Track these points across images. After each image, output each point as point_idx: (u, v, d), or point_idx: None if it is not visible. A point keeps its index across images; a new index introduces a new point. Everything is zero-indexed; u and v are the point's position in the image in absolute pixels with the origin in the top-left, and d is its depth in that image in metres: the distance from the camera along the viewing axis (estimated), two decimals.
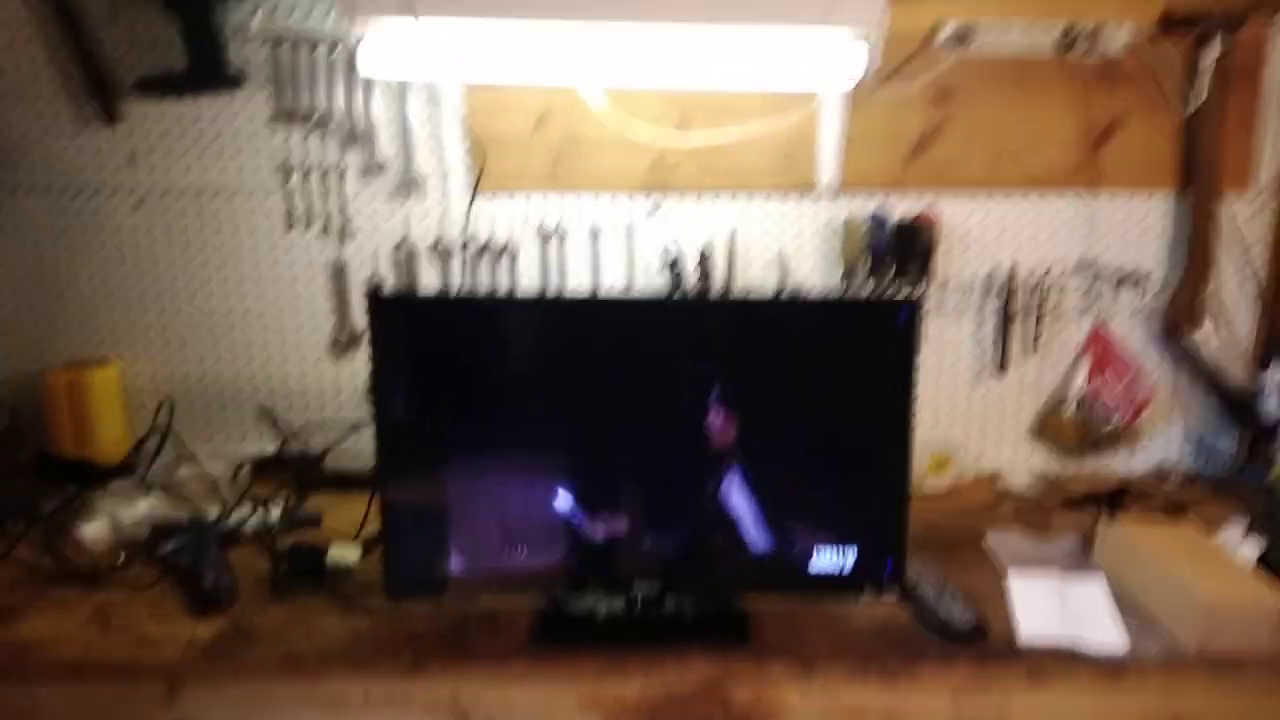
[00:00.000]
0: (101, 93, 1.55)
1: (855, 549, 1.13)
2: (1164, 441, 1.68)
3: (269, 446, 1.63)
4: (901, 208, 1.59)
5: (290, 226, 1.63)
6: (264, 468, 1.58)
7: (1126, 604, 1.16)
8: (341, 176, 1.61)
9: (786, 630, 1.12)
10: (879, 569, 1.13)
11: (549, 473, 1.13)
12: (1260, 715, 1.05)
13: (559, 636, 1.10)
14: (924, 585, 1.17)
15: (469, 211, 1.59)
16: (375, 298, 1.09)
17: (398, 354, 1.09)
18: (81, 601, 1.18)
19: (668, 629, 1.12)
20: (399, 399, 1.10)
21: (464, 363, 1.10)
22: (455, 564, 1.13)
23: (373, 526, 1.27)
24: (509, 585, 1.15)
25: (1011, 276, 1.61)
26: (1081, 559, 1.29)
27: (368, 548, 1.27)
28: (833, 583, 1.14)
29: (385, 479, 1.11)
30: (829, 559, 1.13)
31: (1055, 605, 1.16)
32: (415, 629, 1.12)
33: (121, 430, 1.65)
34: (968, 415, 1.68)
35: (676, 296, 1.54)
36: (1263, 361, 1.59)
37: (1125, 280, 1.61)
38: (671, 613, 1.14)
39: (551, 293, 1.62)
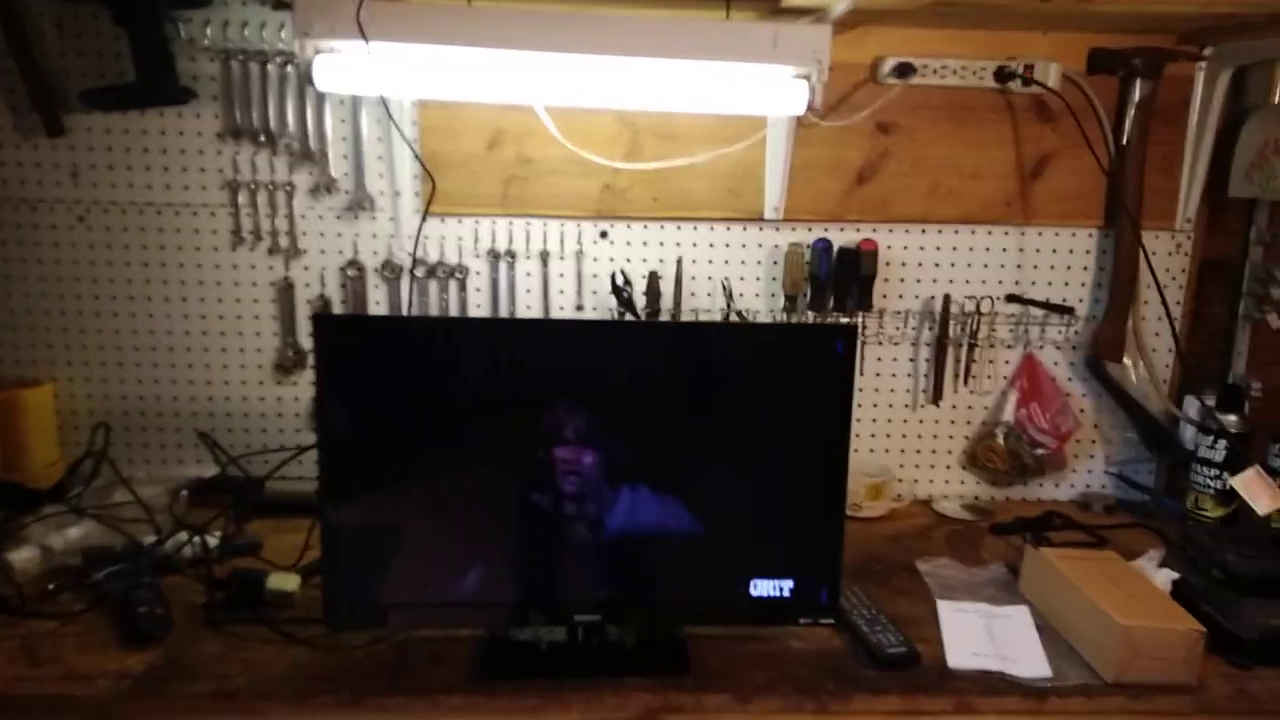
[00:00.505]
0: (45, 104, 1.52)
1: (792, 577, 1.16)
2: (1087, 471, 1.75)
3: (207, 471, 1.61)
4: (843, 238, 1.63)
5: (237, 244, 1.61)
6: (203, 492, 1.56)
7: (1050, 632, 1.21)
8: (290, 194, 1.60)
9: (725, 659, 1.14)
10: (815, 597, 1.16)
11: (495, 502, 1.13)
12: None
13: (501, 668, 1.11)
14: (858, 613, 1.21)
15: (419, 233, 1.59)
16: (321, 320, 1.09)
17: (343, 377, 1.09)
18: (8, 632, 1.15)
19: (609, 659, 1.13)
20: (344, 423, 1.10)
21: (410, 387, 1.10)
22: (397, 593, 1.13)
23: (313, 554, 1.26)
24: (451, 616, 1.16)
25: (946, 307, 1.66)
26: (1009, 587, 1.34)
27: (307, 574, 1.27)
28: (770, 610, 1.16)
29: (328, 506, 1.10)
30: (767, 586, 1.16)
31: (983, 634, 1.20)
32: (355, 661, 1.12)
33: (54, 453, 1.61)
34: (903, 442, 1.73)
35: (621, 320, 1.56)
36: (1181, 393, 1.66)
37: (1053, 313, 1.67)
38: (613, 641, 1.16)
39: (498, 316, 1.63)
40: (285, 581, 1.25)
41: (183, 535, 1.35)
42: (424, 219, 1.59)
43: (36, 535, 1.34)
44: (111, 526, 1.38)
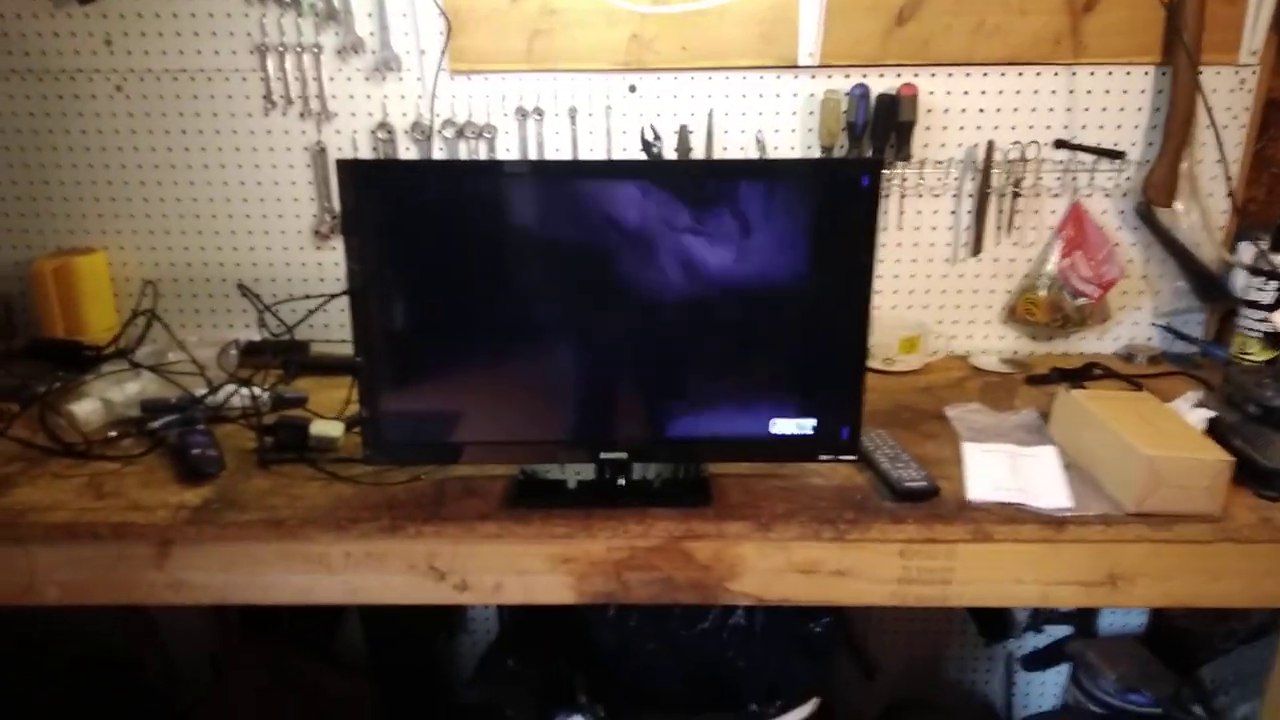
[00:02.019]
0: None
1: (813, 416, 1.17)
2: (1133, 323, 1.70)
3: (254, 334, 1.67)
4: (882, 84, 1.57)
5: (269, 109, 1.62)
6: (249, 354, 1.62)
7: (1077, 470, 1.20)
8: (318, 56, 1.60)
9: (746, 493, 1.17)
10: (836, 435, 1.17)
11: (525, 343, 1.16)
12: (1194, 568, 1.10)
13: (531, 501, 1.15)
14: (879, 451, 1.22)
15: (434, 87, 1.58)
16: (348, 165, 1.10)
17: (371, 223, 1.11)
18: (75, 471, 1.23)
19: (634, 494, 1.17)
20: (373, 268, 1.12)
21: (437, 231, 1.12)
22: (433, 433, 1.17)
23: (355, 407, 1.31)
24: (485, 454, 1.20)
25: (989, 154, 1.60)
26: (1039, 432, 1.33)
27: (350, 425, 1.32)
28: (790, 448, 1.18)
29: (361, 343, 1.14)
30: (787, 425, 1.17)
31: (1006, 471, 1.20)
32: (395, 495, 1.18)
33: (111, 317, 1.69)
34: (941, 297, 1.70)
35: (645, 160, 1.54)
36: (1235, 241, 1.59)
37: (1102, 158, 1.60)
38: (638, 480, 1.20)
39: (526, 159, 1.62)
40: (329, 428, 1.31)
41: (232, 387, 1.41)
42: (438, 73, 1.57)
43: (97, 390, 1.42)
44: (165, 382, 1.45)
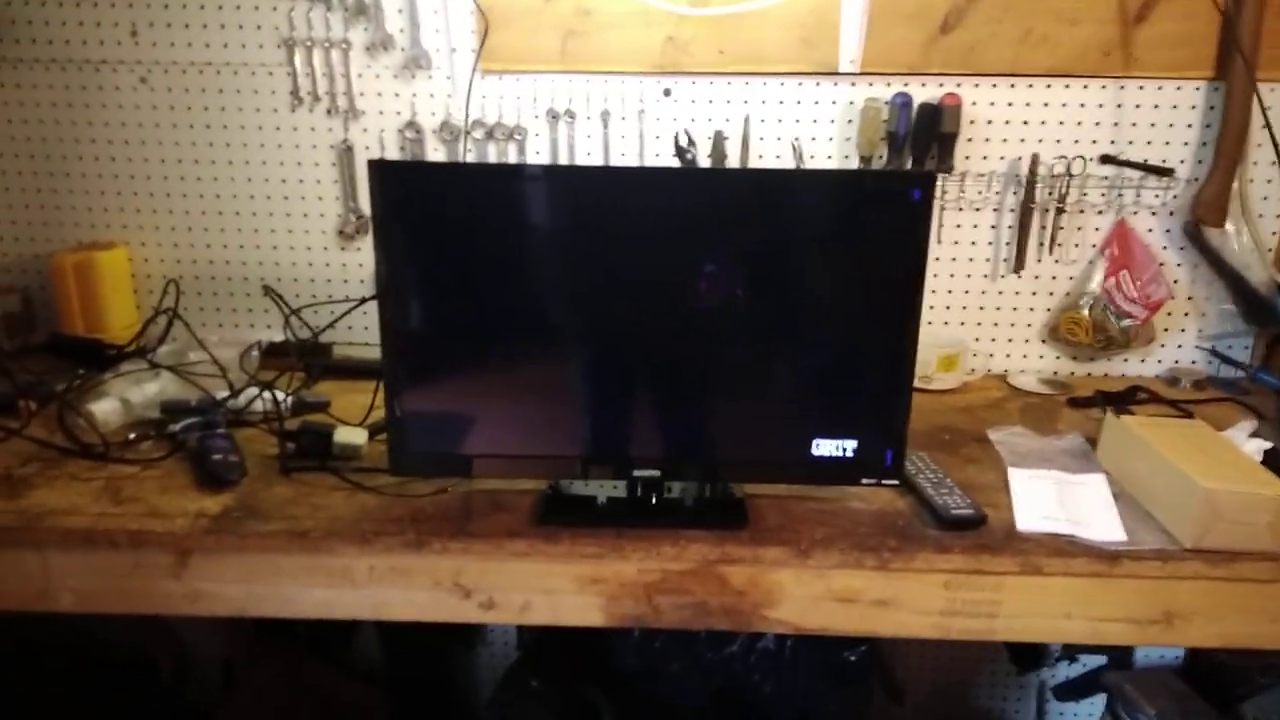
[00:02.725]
0: None
1: (855, 437, 1.12)
2: (1177, 346, 1.65)
3: (276, 334, 1.64)
4: (924, 93, 1.53)
5: (296, 105, 1.59)
6: (272, 355, 1.59)
7: (1128, 500, 1.16)
8: (346, 52, 1.56)
9: (783, 516, 1.13)
10: (879, 458, 1.13)
11: (556, 354, 1.12)
12: (1254, 608, 1.06)
13: (561, 518, 1.11)
14: (922, 475, 1.18)
15: (470, 87, 1.54)
16: (379, 166, 1.07)
17: (404, 227, 1.07)
18: (93, 475, 1.20)
19: (667, 514, 1.13)
20: (403, 272, 1.09)
21: (470, 238, 1.08)
22: (460, 444, 1.14)
23: (379, 413, 1.27)
24: (514, 467, 1.16)
25: (1033, 168, 1.55)
26: (1086, 458, 1.28)
27: (374, 432, 1.29)
28: (832, 469, 1.14)
29: (390, 351, 1.10)
30: (829, 446, 1.13)
31: (1054, 499, 1.16)
32: (421, 508, 1.14)
33: (131, 314, 1.66)
34: (980, 314, 1.66)
35: (685, 168, 1.50)
36: None
37: (1150, 175, 1.55)
38: (671, 499, 1.16)
39: (559, 164, 1.58)
40: (353, 435, 1.28)
41: (254, 390, 1.38)
42: (474, 71, 1.54)
43: (116, 389, 1.39)
44: (186, 382, 1.42)
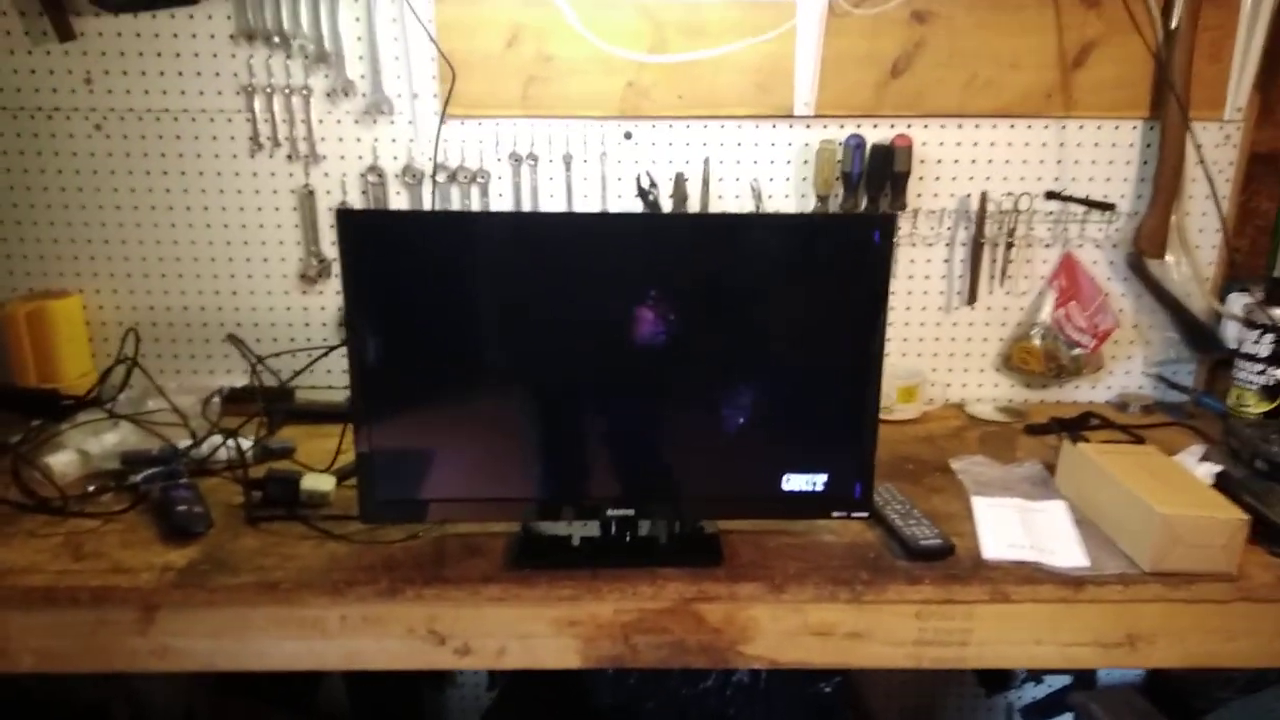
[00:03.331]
0: (54, 7, 1.48)
1: (824, 471, 1.14)
2: (1126, 372, 1.71)
3: (238, 380, 1.62)
4: (876, 134, 1.58)
5: (255, 150, 1.59)
6: (234, 401, 1.56)
7: (1088, 526, 1.20)
8: (307, 98, 1.57)
9: (757, 552, 1.14)
10: (848, 491, 1.15)
11: (522, 397, 1.12)
12: (1211, 627, 1.09)
13: (535, 561, 1.11)
14: (889, 507, 1.20)
15: (438, 135, 1.56)
16: (345, 215, 1.07)
17: (369, 274, 1.07)
18: (52, 530, 1.17)
19: (642, 552, 1.14)
20: (371, 320, 1.09)
21: (436, 284, 1.09)
22: (431, 490, 1.13)
23: (346, 458, 1.27)
24: (485, 511, 1.16)
25: (982, 205, 1.61)
26: (1045, 485, 1.32)
27: (342, 477, 1.27)
28: (803, 504, 1.16)
29: (359, 398, 1.10)
30: (800, 481, 1.15)
31: (1018, 526, 1.19)
32: (392, 555, 1.13)
33: (87, 363, 1.63)
34: (936, 345, 1.70)
35: (648, 211, 1.53)
36: (1224, 290, 1.62)
37: (1093, 210, 1.62)
38: (645, 537, 1.16)
39: (521, 210, 1.60)
40: (321, 482, 1.26)
41: (217, 438, 1.36)
42: (441, 120, 1.56)
43: (74, 441, 1.36)
44: (146, 432, 1.39)
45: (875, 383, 1.13)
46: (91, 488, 1.27)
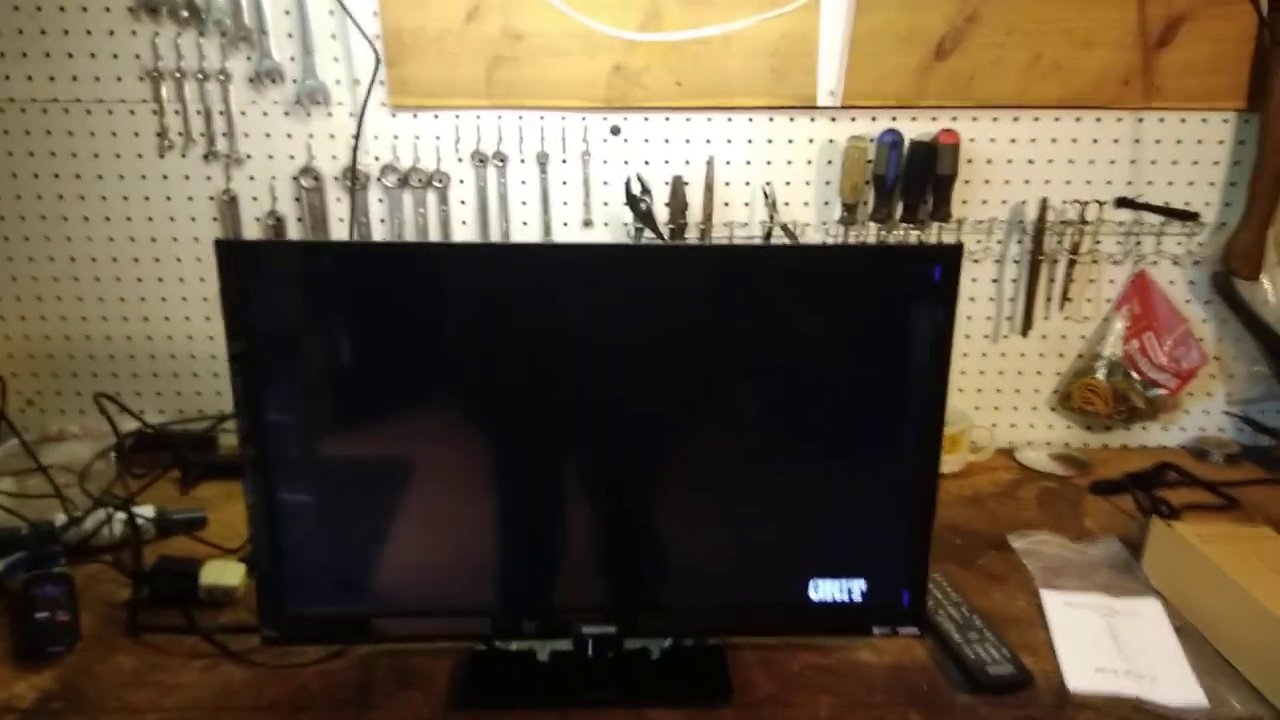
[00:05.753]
0: None
1: (864, 575, 0.89)
2: (1203, 412, 1.45)
3: (155, 417, 1.35)
4: (916, 129, 1.31)
5: (165, 149, 1.32)
6: (143, 448, 1.30)
7: (1191, 635, 0.94)
8: (225, 85, 1.29)
9: (775, 680, 0.89)
10: (894, 600, 0.89)
11: (480, 475, 0.86)
12: None
13: (488, 697, 0.86)
14: (942, 610, 0.94)
15: (360, 123, 1.29)
16: (227, 248, 0.80)
17: (264, 317, 0.81)
18: None
19: (626, 677, 0.88)
20: (273, 381, 0.82)
21: (360, 328, 0.83)
22: (358, 600, 0.87)
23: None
24: (427, 628, 0.90)
25: (1042, 214, 1.34)
26: (1129, 573, 1.06)
27: (254, 566, 1.01)
28: (834, 617, 0.90)
29: (258, 487, 0.84)
30: (831, 588, 0.89)
31: (1106, 638, 0.94)
32: (305, 684, 0.88)
33: None
34: (981, 380, 1.44)
35: (641, 242, 1.27)
36: None
37: (1173, 220, 1.35)
38: (632, 651, 0.91)
39: (480, 241, 1.34)
40: (225, 574, 1.01)
41: (102, 513, 1.10)
42: (365, 106, 1.28)
43: None
44: (19, 500, 1.13)
45: (933, 460, 0.87)
46: None
